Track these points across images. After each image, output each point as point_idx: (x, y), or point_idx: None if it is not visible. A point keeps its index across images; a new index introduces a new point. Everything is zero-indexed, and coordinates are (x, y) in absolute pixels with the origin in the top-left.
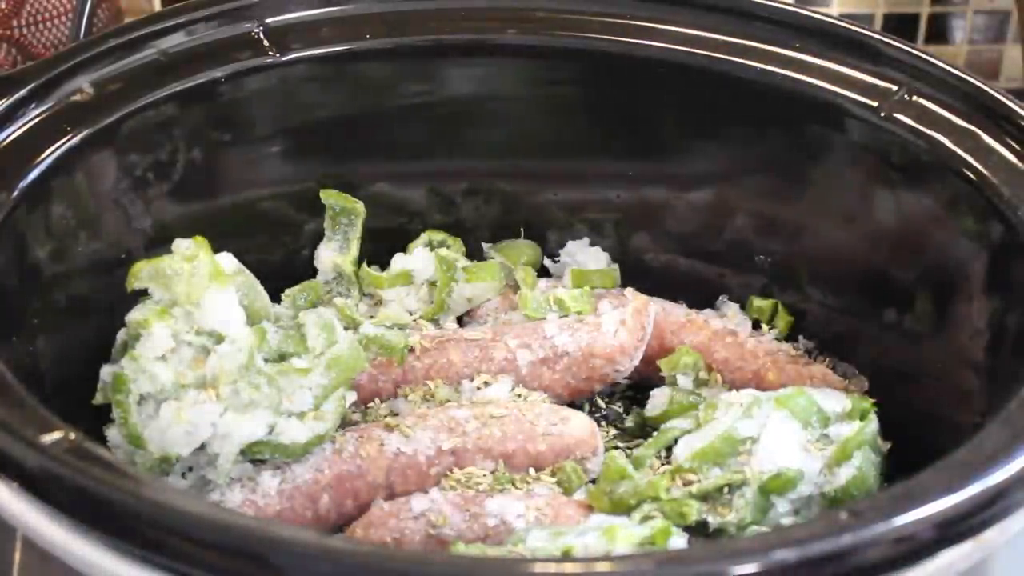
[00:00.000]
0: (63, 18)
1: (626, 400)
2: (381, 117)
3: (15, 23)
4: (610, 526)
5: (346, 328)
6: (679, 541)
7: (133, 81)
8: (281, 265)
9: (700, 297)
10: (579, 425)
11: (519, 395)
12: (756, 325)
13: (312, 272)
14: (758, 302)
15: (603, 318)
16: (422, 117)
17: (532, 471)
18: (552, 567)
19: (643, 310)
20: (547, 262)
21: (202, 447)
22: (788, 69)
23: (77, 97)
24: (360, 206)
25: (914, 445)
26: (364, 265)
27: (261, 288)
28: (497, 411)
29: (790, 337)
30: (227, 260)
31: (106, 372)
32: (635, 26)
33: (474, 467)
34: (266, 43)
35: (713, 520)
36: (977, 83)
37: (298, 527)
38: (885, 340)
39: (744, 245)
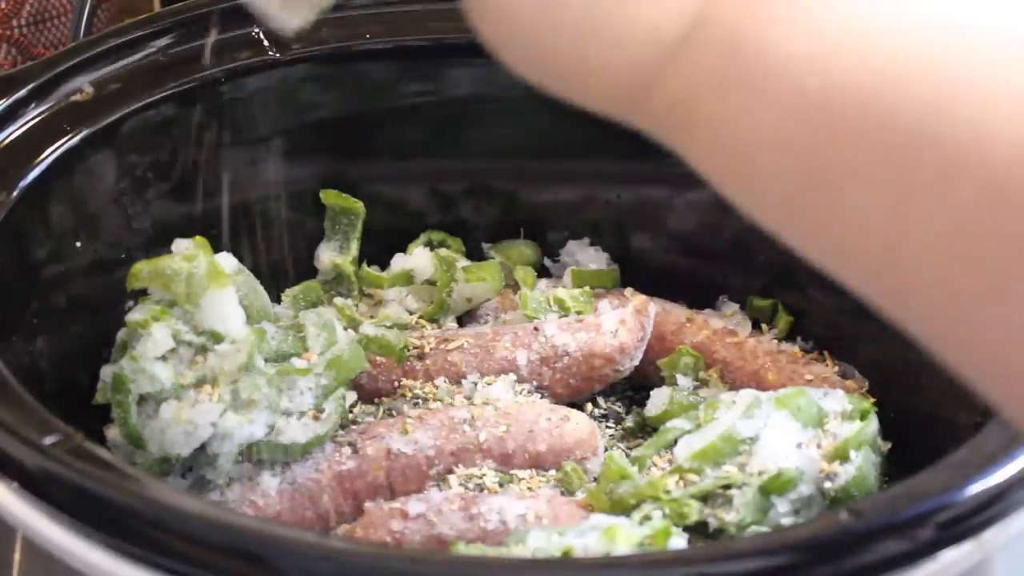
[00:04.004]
0: (63, 18)
1: (626, 400)
2: (381, 117)
3: (15, 23)
4: (610, 526)
5: (346, 328)
6: (679, 541)
7: (133, 81)
8: (281, 265)
9: (700, 297)
10: (579, 425)
11: (519, 395)
12: (756, 325)
13: (312, 272)
14: (758, 302)
15: (603, 318)
16: (422, 117)
17: (532, 471)
18: (552, 567)
19: (643, 310)
20: (547, 262)
21: (202, 447)
22: None
23: (77, 97)
24: (360, 206)
25: (914, 445)
26: (364, 265)
27: (261, 288)
28: (497, 411)
29: (790, 337)
30: (227, 260)
31: (106, 372)
32: None
33: (474, 467)
34: (266, 43)
35: (713, 520)
36: None
37: (298, 527)
38: (885, 340)
39: (744, 245)
